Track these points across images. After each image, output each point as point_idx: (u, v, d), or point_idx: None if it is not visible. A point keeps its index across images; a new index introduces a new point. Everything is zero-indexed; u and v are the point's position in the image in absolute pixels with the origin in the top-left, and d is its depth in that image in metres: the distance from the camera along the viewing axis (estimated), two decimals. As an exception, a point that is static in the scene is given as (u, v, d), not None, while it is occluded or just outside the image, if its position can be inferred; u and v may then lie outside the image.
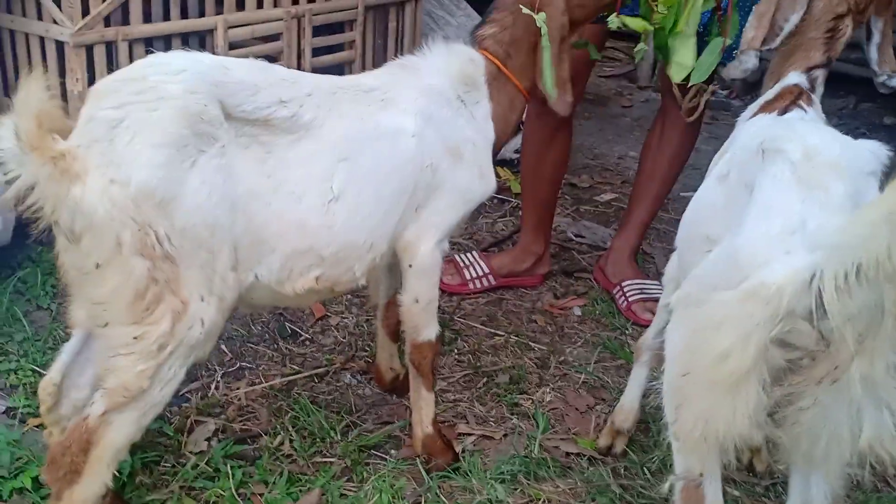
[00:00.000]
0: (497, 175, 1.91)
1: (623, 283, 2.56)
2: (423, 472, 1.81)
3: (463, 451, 1.88)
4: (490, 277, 2.60)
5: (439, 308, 2.25)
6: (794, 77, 1.53)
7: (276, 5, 2.60)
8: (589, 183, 3.54)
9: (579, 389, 2.17)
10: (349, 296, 2.52)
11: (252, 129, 1.38)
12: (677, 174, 2.53)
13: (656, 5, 1.69)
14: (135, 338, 1.27)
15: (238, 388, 2.05)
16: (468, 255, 2.66)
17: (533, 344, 2.36)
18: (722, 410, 1.07)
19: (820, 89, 1.53)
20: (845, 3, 1.54)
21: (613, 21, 1.71)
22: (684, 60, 1.74)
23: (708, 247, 1.29)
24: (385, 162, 1.52)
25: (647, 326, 2.35)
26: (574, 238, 3.00)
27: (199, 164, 1.28)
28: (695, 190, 1.58)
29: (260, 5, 2.56)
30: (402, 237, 1.63)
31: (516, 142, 3.13)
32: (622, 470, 1.88)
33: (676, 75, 1.78)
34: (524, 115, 2.01)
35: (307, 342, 2.30)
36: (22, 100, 1.13)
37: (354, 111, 1.50)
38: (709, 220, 1.36)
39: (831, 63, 1.57)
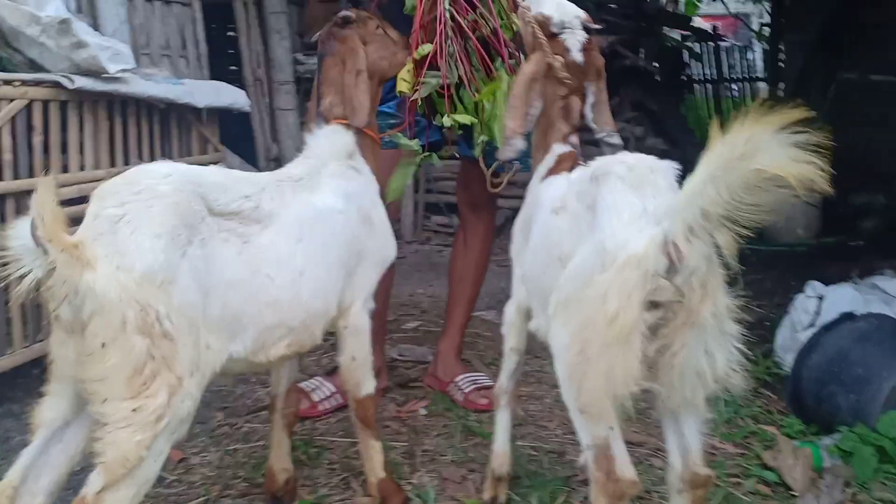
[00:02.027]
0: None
1: (456, 379, 2.84)
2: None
3: None
4: (337, 396, 2.74)
5: (296, 434, 2.37)
6: (558, 147, 1.93)
7: (96, 167, 2.72)
8: (393, 317, 3.85)
9: (449, 466, 2.37)
10: (206, 437, 2.53)
11: (230, 224, 1.60)
12: (484, 274, 2.92)
13: (482, 102, 2.09)
14: (133, 410, 1.37)
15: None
16: (313, 379, 2.79)
17: (394, 444, 2.51)
18: (619, 363, 1.36)
19: (580, 148, 1.94)
20: (565, 88, 1.94)
21: (446, 120, 2.10)
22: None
23: (562, 265, 1.60)
24: (328, 237, 1.78)
25: (486, 411, 2.66)
26: (398, 358, 3.26)
27: (187, 252, 1.47)
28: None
29: (82, 168, 2.67)
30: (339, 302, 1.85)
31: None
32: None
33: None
34: None
35: (175, 483, 2.27)
36: (39, 199, 1.29)
37: (296, 198, 1.77)
38: (558, 245, 1.67)
39: (576, 130, 1.95)
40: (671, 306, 1.41)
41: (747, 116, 1.24)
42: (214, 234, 1.56)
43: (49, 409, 1.49)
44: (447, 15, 2.09)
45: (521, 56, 2.13)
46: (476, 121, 2.12)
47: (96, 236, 1.40)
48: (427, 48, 2.08)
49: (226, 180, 1.65)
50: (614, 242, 1.44)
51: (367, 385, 1.97)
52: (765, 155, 1.23)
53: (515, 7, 2.16)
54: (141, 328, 1.37)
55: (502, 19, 2.17)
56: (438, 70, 2.10)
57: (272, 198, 1.71)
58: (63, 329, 1.41)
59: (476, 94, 2.12)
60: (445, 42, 2.08)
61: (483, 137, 2.16)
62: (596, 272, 1.44)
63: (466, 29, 2.14)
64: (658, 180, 1.51)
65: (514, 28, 2.18)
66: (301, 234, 1.73)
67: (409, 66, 2.11)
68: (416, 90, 2.10)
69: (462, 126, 2.19)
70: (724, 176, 1.27)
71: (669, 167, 1.55)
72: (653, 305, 1.41)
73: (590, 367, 1.42)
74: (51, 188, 1.31)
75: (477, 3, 2.16)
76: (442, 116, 2.14)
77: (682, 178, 1.45)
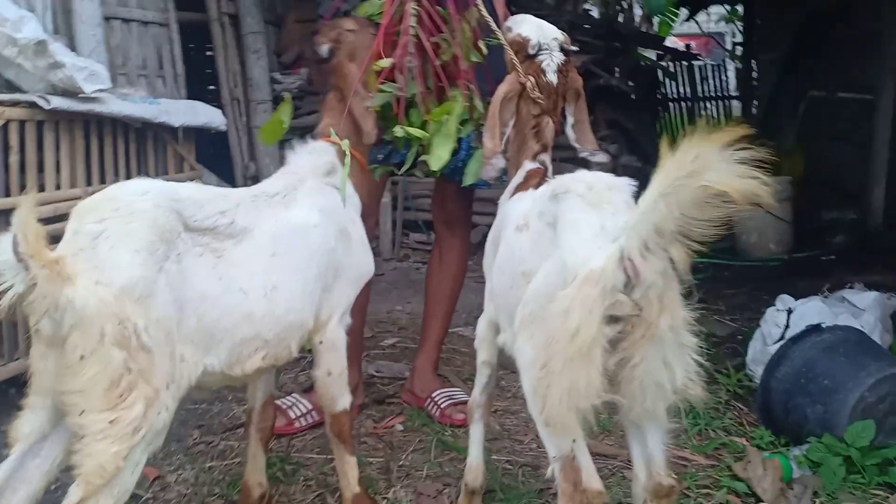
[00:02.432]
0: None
1: (433, 395, 2.86)
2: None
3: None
4: (314, 413, 2.76)
5: (271, 451, 2.38)
6: (528, 164, 1.98)
7: (72, 186, 2.74)
8: (370, 333, 3.87)
9: (425, 481, 2.38)
10: (182, 454, 2.53)
11: (204, 239, 1.62)
12: (459, 290, 2.96)
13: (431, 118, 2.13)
14: (110, 422, 1.40)
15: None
16: (289, 396, 2.81)
17: (370, 459, 2.53)
18: (581, 377, 1.39)
19: (550, 166, 2.00)
20: (538, 108, 1.99)
21: (398, 130, 2.13)
22: (443, 154, 2.14)
23: (527, 281, 1.64)
24: (304, 252, 1.81)
25: (462, 426, 2.68)
26: (375, 374, 3.27)
27: (164, 267, 1.50)
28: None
29: (58, 187, 2.68)
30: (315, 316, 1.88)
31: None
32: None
33: (435, 165, 2.16)
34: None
35: (150, 501, 2.27)
36: (21, 216, 1.32)
37: (272, 214, 1.80)
38: (522, 261, 1.71)
39: (547, 149, 2.01)
40: (630, 320, 1.45)
41: (695, 135, 1.29)
42: (190, 249, 1.59)
43: (27, 424, 1.51)
44: (411, 31, 2.13)
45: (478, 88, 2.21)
46: (428, 135, 2.15)
47: (76, 252, 1.43)
48: (387, 61, 2.12)
49: (202, 196, 1.67)
50: (574, 259, 1.48)
51: (343, 400, 1.99)
52: (711, 172, 1.28)
53: (477, 39, 2.22)
54: (119, 341, 1.40)
55: (465, 49, 2.21)
56: (395, 83, 2.13)
57: (247, 213, 1.74)
58: (43, 343, 1.43)
59: (427, 115, 2.16)
60: (406, 56, 2.12)
61: (415, 155, 2.21)
62: (558, 288, 1.48)
63: (429, 49, 2.17)
64: (615, 198, 1.56)
65: (477, 58, 2.23)
66: (275, 249, 1.75)
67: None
68: (371, 98, 2.12)
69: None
70: (674, 193, 1.32)
71: (626, 185, 1.61)
72: (612, 319, 1.45)
73: (553, 380, 1.45)
74: (32, 206, 1.34)
75: (442, 28, 2.20)
76: (393, 129, 2.17)
77: (639, 195, 1.49)
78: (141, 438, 1.44)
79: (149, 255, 1.48)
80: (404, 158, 2.30)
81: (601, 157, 2.05)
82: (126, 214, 1.49)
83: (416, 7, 2.15)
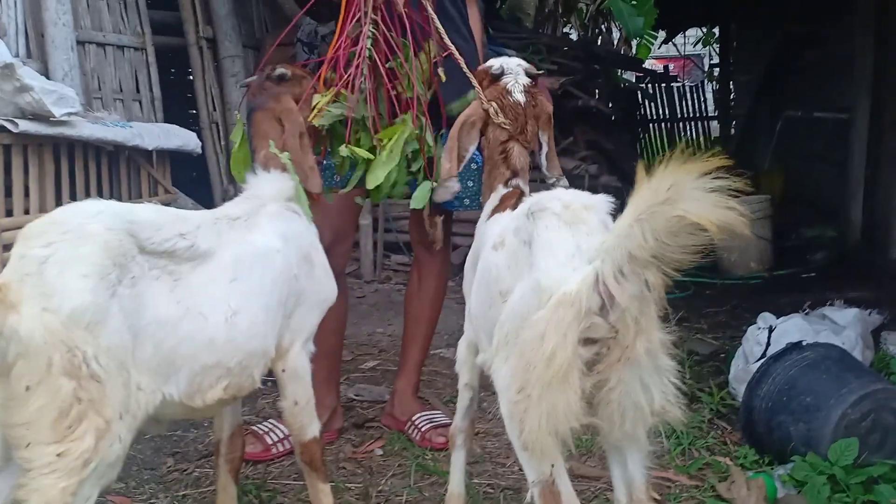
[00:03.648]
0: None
1: (413, 418, 2.81)
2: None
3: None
4: (290, 439, 2.70)
5: (248, 478, 2.33)
6: (502, 189, 1.97)
7: (41, 211, 2.68)
8: (350, 356, 3.82)
9: (404, 507, 2.34)
10: (155, 483, 2.47)
11: (161, 262, 1.56)
12: (439, 312, 2.92)
13: (380, 142, 2.10)
14: (58, 455, 1.33)
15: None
16: (266, 422, 2.75)
17: (349, 485, 2.47)
18: (559, 400, 1.36)
19: (526, 188, 1.98)
20: (506, 133, 1.99)
21: (344, 150, 2.07)
22: (380, 175, 2.10)
23: (503, 299, 1.62)
24: (266, 277, 1.75)
25: (443, 450, 2.63)
26: (355, 398, 3.22)
27: (117, 292, 1.43)
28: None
29: (27, 212, 2.63)
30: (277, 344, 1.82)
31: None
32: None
33: (370, 183, 2.12)
34: None
35: (121, 533, 2.21)
36: None
37: (234, 237, 1.74)
38: (498, 280, 1.68)
39: (519, 173, 1.99)
40: (606, 342, 1.43)
41: (671, 161, 1.28)
42: (146, 272, 1.52)
43: None
44: (367, 52, 2.10)
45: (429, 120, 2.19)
46: (373, 157, 2.11)
47: (22, 277, 1.36)
48: (324, 97, 2.07)
49: (160, 218, 1.61)
50: (549, 281, 1.46)
51: (312, 428, 1.94)
52: (686, 202, 1.27)
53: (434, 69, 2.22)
54: (67, 370, 1.34)
55: (419, 79, 2.20)
56: (343, 103, 2.09)
57: (208, 236, 1.68)
58: None
59: (374, 138, 2.12)
60: (359, 77, 2.09)
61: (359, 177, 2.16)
62: (533, 309, 1.46)
63: (383, 73, 2.15)
64: (591, 218, 1.55)
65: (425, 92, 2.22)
66: (236, 273, 1.69)
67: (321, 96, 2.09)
68: (318, 116, 2.07)
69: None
70: (649, 220, 1.31)
71: (602, 203, 1.59)
72: (588, 341, 1.42)
73: (531, 404, 1.42)
74: None
75: (398, 52, 2.18)
76: (338, 148, 2.12)
77: (618, 210, 1.47)
78: (91, 472, 1.36)
79: (99, 279, 1.41)
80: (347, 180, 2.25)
81: (564, 183, 2.03)
82: (75, 238, 1.42)
83: (373, 30, 2.13)
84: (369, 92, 2.12)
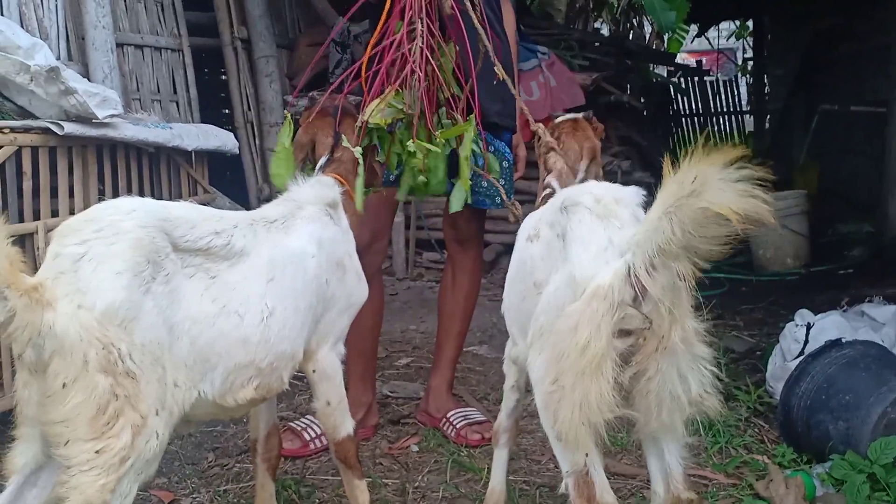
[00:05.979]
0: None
1: (448, 415, 2.84)
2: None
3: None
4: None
5: (286, 473, 2.37)
6: (541, 192, 2.03)
7: (86, 212, 2.75)
8: (384, 353, 3.86)
9: (441, 502, 2.35)
10: (196, 478, 2.52)
11: (196, 259, 1.57)
12: (472, 309, 2.94)
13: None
14: (96, 452, 1.34)
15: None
16: (303, 419, 2.79)
17: (386, 481, 2.50)
18: (593, 390, 1.39)
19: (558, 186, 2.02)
20: (548, 146, 2.06)
21: (411, 145, 2.11)
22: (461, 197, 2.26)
23: (538, 291, 1.64)
24: (299, 280, 1.77)
25: (478, 447, 2.65)
26: (389, 394, 3.25)
27: (151, 289, 1.44)
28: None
29: (72, 212, 2.69)
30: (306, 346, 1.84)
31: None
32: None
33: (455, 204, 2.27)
34: None
35: (165, 526, 2.26)
36: None
37: (270, 238, 1.75)
38: (533, 271, 1.71)
39: (552, 173, 2.04)
40: (641, 333, 1.45)
41: (696, 154, 1.29)
42: (179, 269, 1.53)
43: (20, 455, 1.45)
44: (418, 51, 2.13)
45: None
46: (439, 150, 2.14)
47: (57, 275, 1.37)
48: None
49: (195, 216, 1.62)
50: (583, 274, 1.49)
51: (345, 427, 1.97)
52: (710, 193, 1.28)
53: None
54: (103, 367, 1.35)
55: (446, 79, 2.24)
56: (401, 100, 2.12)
57: (244, 235, 1.69)
58: (27, 369, 1.38)
59: (416, 139, 2.14)
60: (413, 76, 2.11)
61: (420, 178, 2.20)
62: (568, 301, 1.48)
63: (436, 73, 2.18)
64: (622, 211, 1.57)
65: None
66: (272, 274, 1.70)
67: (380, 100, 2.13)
68: (376, 113, 2.10)
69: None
70: (676, 212, 1.33)
71: (633, 195, 1.61)
72: (624, 333, 1.45)
73: (565, 395, 1.44)
74: (4, 234, 1.28)
75: (445, 51, 2.22)
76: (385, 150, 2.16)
77: (649, 204, 1.49)
78: (129, 468, 1.37)
79: (133, 276, 1.41)
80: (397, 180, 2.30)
81: None
82: (109, 235, 1.42)
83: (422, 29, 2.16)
84: (424, 91, 2.15)
